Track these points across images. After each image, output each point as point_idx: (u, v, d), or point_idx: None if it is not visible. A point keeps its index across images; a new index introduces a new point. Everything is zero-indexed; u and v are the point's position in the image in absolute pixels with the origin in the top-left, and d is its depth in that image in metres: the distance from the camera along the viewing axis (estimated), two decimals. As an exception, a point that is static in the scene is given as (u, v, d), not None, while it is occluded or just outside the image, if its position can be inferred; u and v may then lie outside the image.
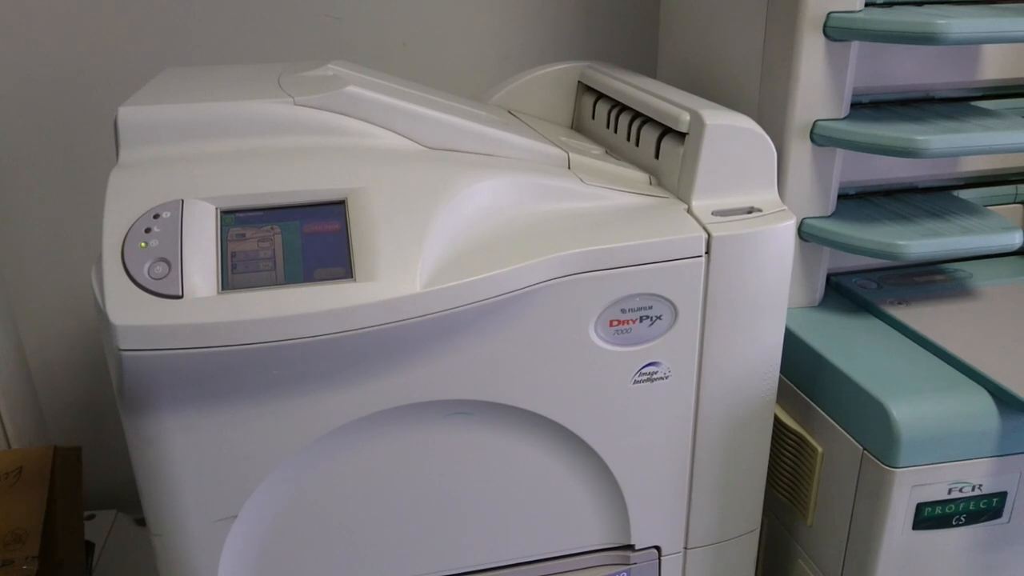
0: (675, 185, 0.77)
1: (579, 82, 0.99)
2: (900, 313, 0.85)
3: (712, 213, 0.73)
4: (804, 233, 0.85)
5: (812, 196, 0.84)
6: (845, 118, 0.82)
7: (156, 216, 0.62)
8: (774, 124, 0.81)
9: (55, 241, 1.19)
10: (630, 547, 0.81)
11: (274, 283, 0.62)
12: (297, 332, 0.61)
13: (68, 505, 1.00)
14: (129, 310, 0.59)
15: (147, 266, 0.60)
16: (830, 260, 0.89)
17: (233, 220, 0.64)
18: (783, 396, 0.86)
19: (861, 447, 0.76)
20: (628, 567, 0.81)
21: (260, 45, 1.15)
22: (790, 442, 0.87)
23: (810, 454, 0.84)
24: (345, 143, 0.71)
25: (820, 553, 0.86)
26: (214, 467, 0.66)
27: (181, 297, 0.60)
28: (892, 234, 0.81)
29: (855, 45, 0.80)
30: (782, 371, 0.81)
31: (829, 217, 0.85)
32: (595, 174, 0.77)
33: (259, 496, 0.69)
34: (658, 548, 0.82)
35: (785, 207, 0.75)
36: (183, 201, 0.63)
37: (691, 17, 0.99)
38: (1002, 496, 0.77)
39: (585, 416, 0.73)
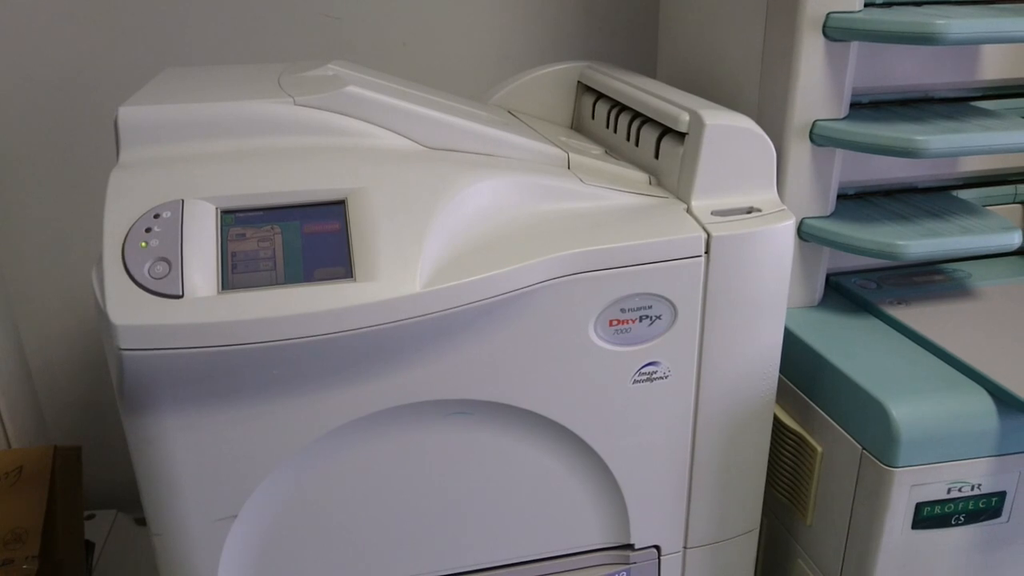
0: (675, 185, 0.77)
1: (579, 82, 0.99)
2: (899, 313, 0.86)
3: (711, 213, 0.73)
4: (804, 233, 0.85)
5: (811, 196, 0.84)
6: (844, 118, 0.82)
7: (156, 216, 0.62)
8: (773, 124, 0.82)
9: (55, 241, 1.19)
10: (630, 547, 0.81)
11: (274, 283, 0.62)
12: (297, 332, 0.61)
13: (68, 505, 1.00)
14: (129, 310, 0.59)
15: (147, 266, 0.60)
16: (829, 260, 0.89)
17: (233, 220, 0.64)
18: (783, 396, 0.86)
19: (860, 447, 0.77)
20: (628, 567, 0.81)
21: (260, 45, 1.16)
22: (789, 442, 0.87)
23: (809, 454, 0.84)
24: (345, 143, 0.71)
25: (819, 553, 0.86)
26: (214, 467, 0.66)
27: (181, 297, 0.60)
28: (891, 234, 0.81)
29: (854, 45, 0.80)
30: (781, 371, 0.81)
31: (828, 217, 0.85)
32: (595, 174, 0.77)
33: (259, 496, 0.69)
34: (658, 548, 0.82)
35: (784, 207, 0.75)
36: (183, 201, 0.64)
37: (691, 17, 0.99)
38: (1001, 496, 0.77)
39: (585, 416, 0.73)
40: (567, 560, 0.80)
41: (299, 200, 0.66)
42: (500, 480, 0.75)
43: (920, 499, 0.75)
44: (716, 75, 0.94)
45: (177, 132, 0.69)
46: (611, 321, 0.70)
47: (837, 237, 0.83)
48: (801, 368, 0.84)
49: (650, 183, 0.79)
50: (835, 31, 0.77)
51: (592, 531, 0.80)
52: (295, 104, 0.71)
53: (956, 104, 0.88)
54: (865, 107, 0.86)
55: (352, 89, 0.72)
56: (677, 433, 0.77)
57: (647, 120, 0.83)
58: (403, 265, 0.63)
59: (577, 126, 1.00)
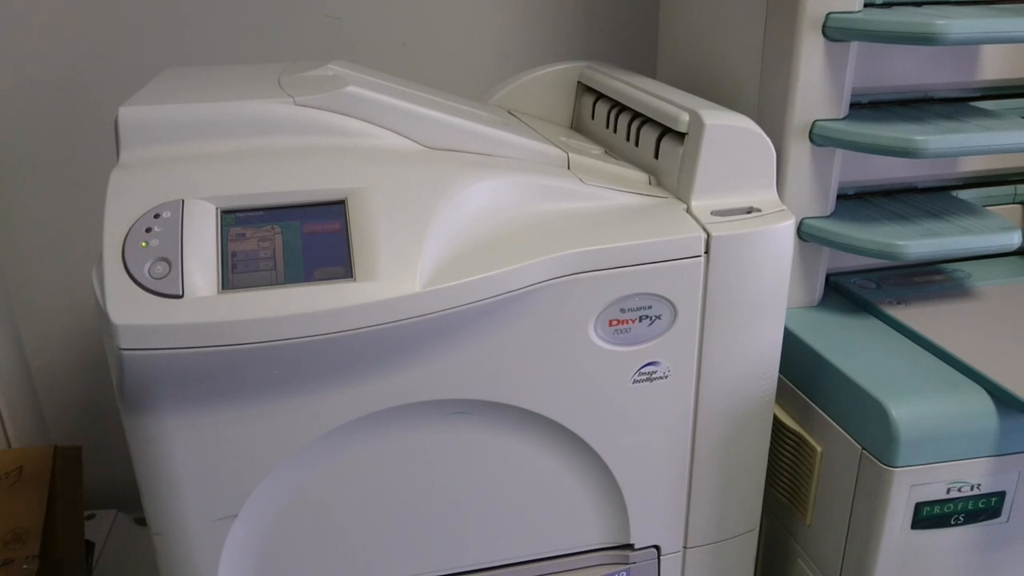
0: (674, 185, 0.77)
1: (579, 82, 1.00)
2: (899, 313, 0.86)
3: (711, 213, 0.73)
4: (803, 233, 0.85)
5: (811, 196, 0.84)
6: (844, 118, 0.82)
7: (157, 216, 0.63)
8: (773, 124, 0.82)
9: (55, 241, 1.19)
10: (629, 546, 0.81)
11: (274, 283, 0.62)
12: (297, 332, 0.61)
13: (68, 505, 1.00)
14: (130, 309, 0.59)
15: (148, 266, 0.60)
16: (829, 260, 0.89)
17: (233, 220, 0.64)
18: (782, 396, 0.86)
19: (860, 447, 0.77)
20: (627, 566, 0.81)
21: (260, 45, 1.16)
22: (789, 442, 0.87)
23: (809, 454, 0.84)
24: (345, 143, 0.71)
25: (819, 552, 0.86)
26: (214, 466, 0.67)
27: (182, 296, 0.60)
28: (891, 234, 0.81)
29: (854, 45, 0.80)
30: (781, 371, 0.81)
31: (828, 217, 0.85)
32: (595, 174, 0.77)
33: (259, 495, 0.69)
34: (657, 547, 0.82)
35: (784, 207, 0.75)
36: (184, 201, 0.64)
37: (690, 17, 0.99)
38: (1001, 496, 0.77)
39: (584, 415, 0.73)
40: (567, 560, 0.80)
41: (299, 200, 0.66)
42: (500, 480, 0.75)
43: (920, 499, 0.75)
44: (716, 75, 0.94)
45: (177, 132, 0.69)
46: (611, 321, 0.70)
47: (837, 237, 0.83)
48: (801, 368, 0.84)
49: (650, 183, 0.79)
50: (835, 31, 0.77)
51: (592, 531, 0.80)
52: (295, 104, 0.71)
53: (956, 104, 0.88)
54: (865, 107, 0.86)
55: (352, 89, 0.72)
56: (677, 433, 0.77)
57: (647, 120, 0.83)
58: (403, 265, 0.63)
59: (577, 126, 1.00)
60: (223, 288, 0.61)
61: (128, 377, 0.61)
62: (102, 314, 0.60)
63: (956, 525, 0.78)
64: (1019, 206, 0.97)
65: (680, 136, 0.76)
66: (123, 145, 0.68)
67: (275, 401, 0.65)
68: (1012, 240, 0.82)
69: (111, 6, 1.10)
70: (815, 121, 0.81)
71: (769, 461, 0.84)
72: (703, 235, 0.70)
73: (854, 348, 0.81)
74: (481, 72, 1.22)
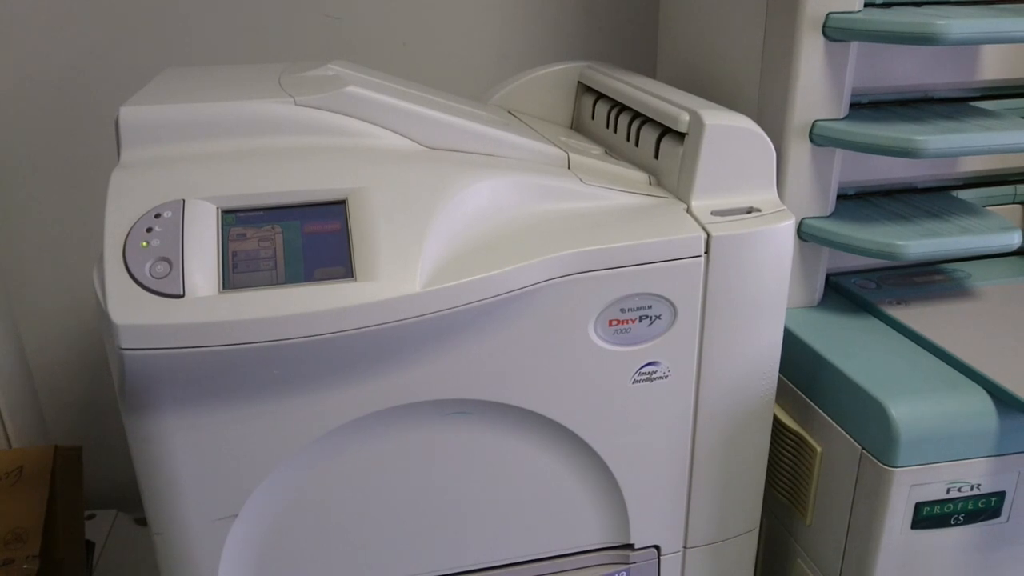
0: (674, 185, 0.77)
1: (579, 82, 1.00)
2: (899, 313, 0.86)
3: (711, 213, 0.73)
4: (803, 233, 0.85)
5: (811, 196, 0.84)
6: (844, 118, 0.82)
7: (157, 216, 0.63)
8: (773, 124, 0.82)
9: (55, 241, 1.19)
10: (629, 546, 0.81)
11: (275, 283, 0.62)
12: (297, 331, 0.61)
13: (68, 505, 1.00)
14: (131, 309, 0.59)
15: (148, 265, 0.61)
16: (829, 260, 0.89)
17: (234, 220, 0.64)
18: (782, 396, 0.86)
19: (860, 447, 0.77)
20: (627, 566, 0.81)
21: (260, 45, 1.16)
22: (789, 442, 0.87)
23: (809, 454, 0.84)
24: (345, 143, 0.71)
25: (819, 552, 0.86)
26: (215, 466, 0.67)
27: (182, 296, 0.60)
28: (891, 234, 0.81)
29: (854, 45, 0.80)
30: (781, 371, 0.81)
31: (828, 217, 0.85)
32: (595, 174, 0.77)
33: (259, 495, 0.69)
34: (657, 547, 0.82)
35: (784, 207, 0.75)
36: (184, 201, 0.64)
37: (690, 17, 0.99)
38: (1000, 496, 0.77)
39: (584, 415, 0.73)
40: (567, 560, 0.80)
41: (299, 200, 0.66)
42: (500, 480, 0.75)
43: (919, 499, 0.75)
44: (716, 75, 0.94)
45: (178, 132, 0.69)
46: (611, 321, 0.70)
47: (837, 237, 0.83)
48: (801, 368, 0.84)
49: (650, 183, 0.80)
50: (835, 31, 0.77)
51: (592, 531, 0.80)
52: (295, 104, 0.71)
53: (956, 104, 0.88)
54: (865, 107, 0.86)
55: (352, 89, 0.72)
56: (677, 433, 0.77)
57: (647, 120, 0.83)
58: (403, 265, 0.63)
59: (577, 126, 1.00)
60: (224, 288, 0.61)
61: (129, 377, 0.61)
62: (103, 314, 0.60)
63: (956, 525, 0.78)
64: (1019, 206, 0.97)
65: (680, 136, 0.76)
66: (124, 145, 0.68)
67: (275, 401, 0.65)
68: (1012, 240, 0.82)
69: (111, 6, 1.10)
70: (815, 121, 0.81)
71: (769, 461, 0.84)
72: (703, 235, 0.70)
73: (854, 348, 0.81)
74: (481, 72, 1.22)
